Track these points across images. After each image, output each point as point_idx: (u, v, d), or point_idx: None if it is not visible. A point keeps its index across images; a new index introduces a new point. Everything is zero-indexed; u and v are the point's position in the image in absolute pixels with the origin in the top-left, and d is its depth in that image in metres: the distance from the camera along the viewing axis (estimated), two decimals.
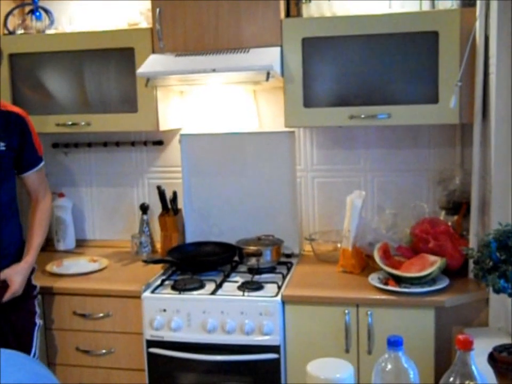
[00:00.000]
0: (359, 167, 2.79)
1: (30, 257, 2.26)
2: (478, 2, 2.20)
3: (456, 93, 2.20)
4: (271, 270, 2.54)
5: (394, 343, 1.29)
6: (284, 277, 2.45)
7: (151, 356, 2.35)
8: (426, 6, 2.46)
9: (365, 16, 2.38)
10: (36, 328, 2.29)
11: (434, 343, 2.17)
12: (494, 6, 2.10)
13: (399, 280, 2.26)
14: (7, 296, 2.15)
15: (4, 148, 2.18)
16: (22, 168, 2.30)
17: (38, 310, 2.32)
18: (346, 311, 2.21)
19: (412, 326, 2.17)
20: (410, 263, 2.34)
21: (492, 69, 2.15)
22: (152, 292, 2.38)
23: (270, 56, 2.38)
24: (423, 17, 2.33)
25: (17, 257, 2.25)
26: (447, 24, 2.27)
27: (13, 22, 2.82)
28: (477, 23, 2.21)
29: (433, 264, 2.25)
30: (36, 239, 2.30)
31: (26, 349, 2.21)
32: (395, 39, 2.35)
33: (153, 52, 2.53)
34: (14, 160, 2.24)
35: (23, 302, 2.25)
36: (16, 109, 2.28)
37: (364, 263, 2.49)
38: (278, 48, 2.41)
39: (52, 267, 2.63)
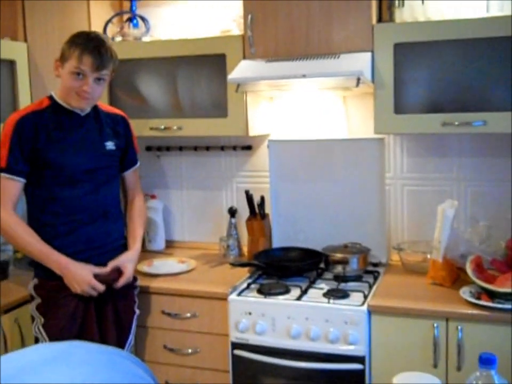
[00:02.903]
0: (451, 176, 2.69)
1: (137, 245, 2.39)
2: None
3: None
4: (357, 278, 2.50)
5: (486, 361, 1.24)
6: (371, 286, 2.41)
7: (235, 358, 2.38)
8: None
9: (459, 21, 2.29)
10: (135, 316, 2.39)
11: None
12: None
13: (492, 295, 2.16)
14: (122, 282, 2.27)
15: (114, 148, 2.35)
16: (123, 167, 2.46)
17: (137, 300, 2.43)
18: (435, 325, 2.14)
19: (504, 344, 2.07)
20: (505, 278, 2.23)
21: None
22: (238, 294, 2.40)
23: (361, 61, 2.35)
24: None
25: (122, 250, 2.37)
26: None
27: (112, 29, 2.95)
28: None
29: None
30: (139, 231, 2.45)
31: (124, 335, 2.33)
32: (491, 43, 2.25)
33: (244, 57, 2.57)
34: (119, 159, 2.41)
35: (127, 290, 2.36)
36: (119, 112, 2.46)
37: (455, 275, 2.41)
38: (369, 54, 2.38)
39: (143, 267, 2.71)
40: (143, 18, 2.97)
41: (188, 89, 2.73)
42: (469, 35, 2.26)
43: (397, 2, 2.48)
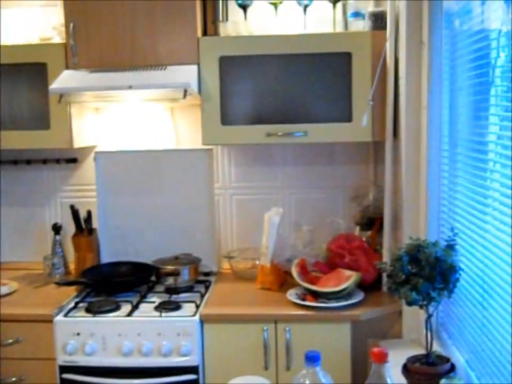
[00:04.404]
0: (276, 184, 2.82)
1: None
2: (388, 25, 2.29)
3: (367, 112, 2.27)
4: (189, 289, 2.51)
5: (311, 359, 1.30)
6: (202, 296, 2.43)
7: (64, 382, 2.27)
8: (339, 28, 2.53)
9: (280, 36, 2.42)
10: None
11: (351, 357, 2.21)
12: (402, 29, 2.19)
13: (316, 295, 2.29)
14: None
15: None
16: None
17: None
18: (265, 328, 2.21)
19: (329, 340, 2.20)
20: (327, 278, 2.37)
21: (402, 89, 2.23)
22: (65, 315, 2.29)
23: (187, 73, 2.38)
24: (336, 38, 2.40)
25: None
26: (359, 46, 2.35)
27: None
28: (387, 45, 2.29)
29: (348, 278, 2.30)
30: None
31: None
32: (310, 59, 2.40)
33: (67, 67, 2.47)
34: None
35: None
36: None
37: (282, 279, 2.51)
38: (196, 66, 2.41)
39: None
40: None
41: (6, 99, 2.56)
42: (289, 50, 2.40)
43: (221, 16, 2.56)
